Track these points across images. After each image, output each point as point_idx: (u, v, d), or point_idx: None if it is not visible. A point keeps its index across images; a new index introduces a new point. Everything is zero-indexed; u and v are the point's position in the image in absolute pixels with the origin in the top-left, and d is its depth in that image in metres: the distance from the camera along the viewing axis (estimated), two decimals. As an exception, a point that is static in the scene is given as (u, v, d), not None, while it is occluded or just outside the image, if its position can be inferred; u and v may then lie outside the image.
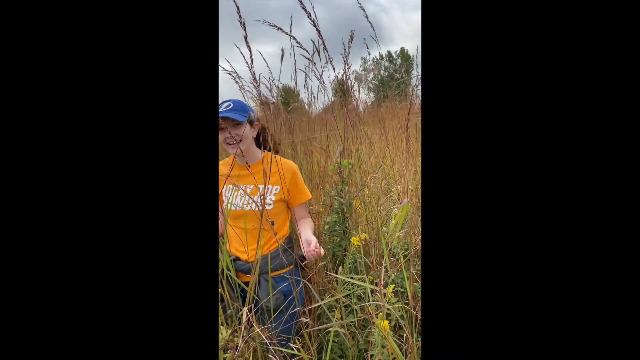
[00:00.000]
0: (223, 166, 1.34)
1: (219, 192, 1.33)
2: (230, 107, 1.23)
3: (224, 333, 0.86)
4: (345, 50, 1.32)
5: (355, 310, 1.14)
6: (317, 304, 1.08)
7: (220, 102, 1.26)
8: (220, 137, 1.24)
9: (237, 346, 0.74)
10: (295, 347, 0.87)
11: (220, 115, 1.20)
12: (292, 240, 1.33)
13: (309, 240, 1.16)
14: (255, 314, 1.00)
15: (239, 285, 1.12)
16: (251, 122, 1.26)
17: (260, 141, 1.35)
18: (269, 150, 1.34)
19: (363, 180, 1.45)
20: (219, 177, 1.32)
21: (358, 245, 1.11)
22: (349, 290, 1.18)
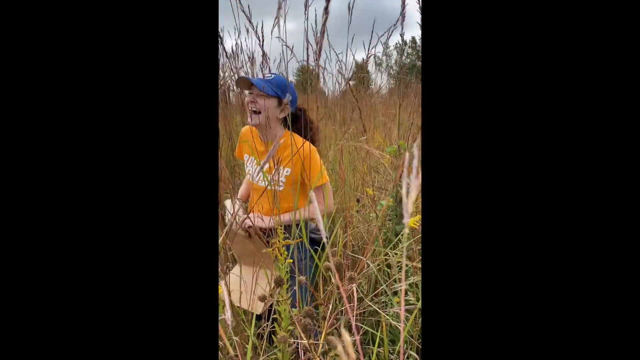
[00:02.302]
0: (247, 131, 1.35)
1: (240, 154, 1.40)
2: (270, 78, 1.22)
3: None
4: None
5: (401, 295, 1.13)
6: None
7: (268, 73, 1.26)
8: (247, 99, 1.24)
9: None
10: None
11: (251, 79, 1.20)
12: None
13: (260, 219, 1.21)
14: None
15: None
16: (280, 102, 1.23)
17: (302, 128, 1.32)
18: (305, 137, 1.30)
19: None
20: (243, 140, 1.36)
21: (413, 227, 1.08)
22: (400, 275, 1.17)
